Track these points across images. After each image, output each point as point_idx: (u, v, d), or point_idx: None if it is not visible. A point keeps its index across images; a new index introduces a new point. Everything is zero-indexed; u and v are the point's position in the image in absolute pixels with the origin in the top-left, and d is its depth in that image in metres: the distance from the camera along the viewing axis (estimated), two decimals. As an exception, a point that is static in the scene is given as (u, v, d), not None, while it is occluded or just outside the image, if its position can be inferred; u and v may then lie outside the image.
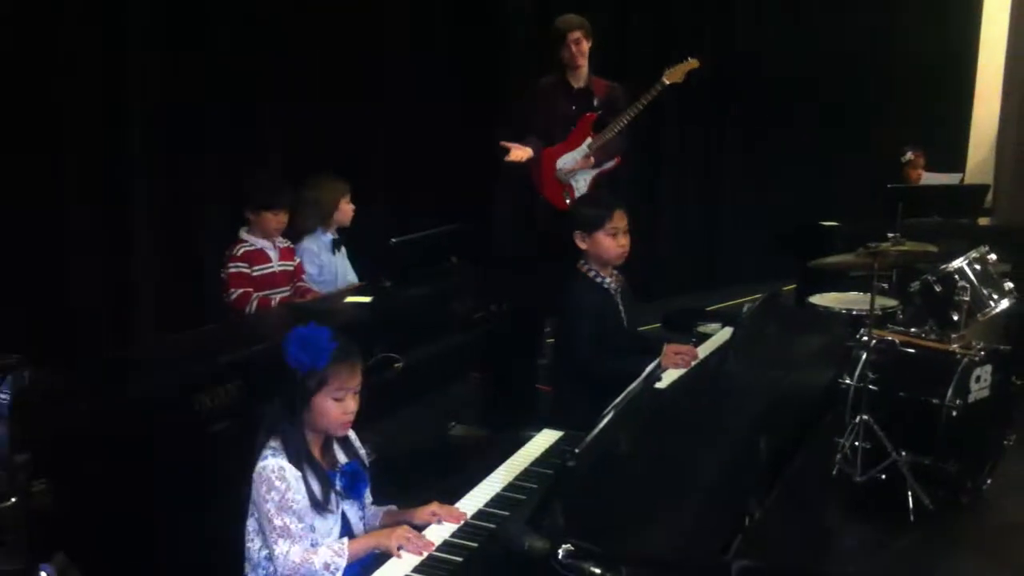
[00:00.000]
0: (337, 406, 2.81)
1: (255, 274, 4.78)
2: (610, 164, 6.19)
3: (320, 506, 2.77)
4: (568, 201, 6.07)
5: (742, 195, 9.70)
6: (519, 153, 5.88)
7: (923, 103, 10.60)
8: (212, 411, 3.34)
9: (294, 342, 2.77)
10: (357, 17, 6.58)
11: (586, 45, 6.05)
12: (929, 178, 7.58)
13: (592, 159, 6.06)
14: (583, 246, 4.22)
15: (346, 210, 5.20)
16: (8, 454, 2.10)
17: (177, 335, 4.29)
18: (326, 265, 5.13)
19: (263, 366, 3.41)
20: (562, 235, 4.77)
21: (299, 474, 2.73)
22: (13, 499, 2.05)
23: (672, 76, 6.06)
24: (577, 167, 6.06)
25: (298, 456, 2.78)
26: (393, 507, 3.01)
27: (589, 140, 6.06)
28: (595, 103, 6.12)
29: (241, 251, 4.80)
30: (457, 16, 7.32)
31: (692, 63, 6.10)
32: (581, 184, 6.12)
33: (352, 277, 5.25)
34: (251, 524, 2.79)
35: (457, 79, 7.27)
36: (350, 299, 4.47)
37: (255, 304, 4.69)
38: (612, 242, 4.19)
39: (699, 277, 9.42)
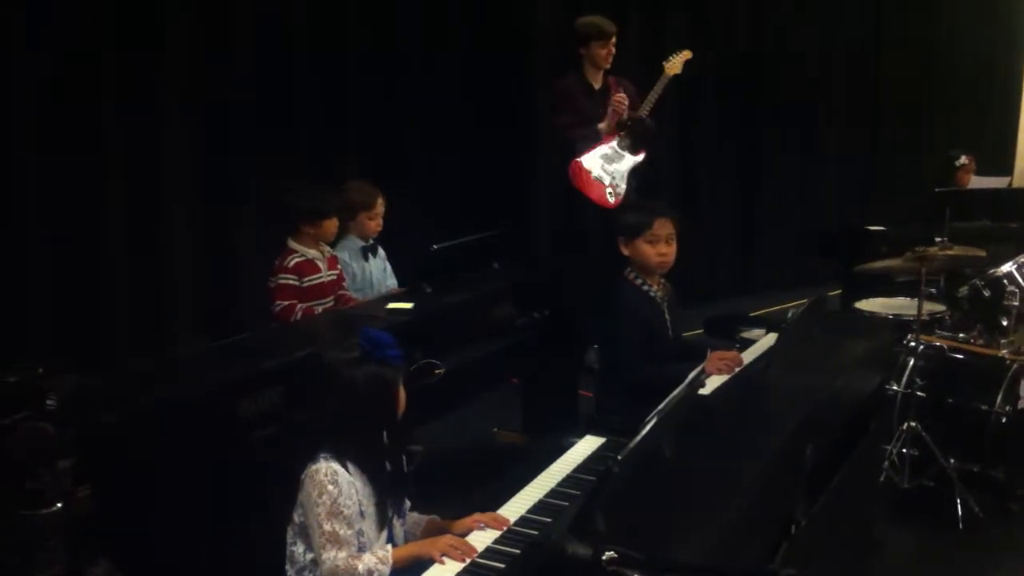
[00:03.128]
0: (402, 392, 2.89)
1: (305, 285, 4.74)
2: (639, 158, 6.36)
3: (380, 517, 2.80)
4: (613, 199, 6.24)
5: (781, 198, 9.62)
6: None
7: (970, 106, 10.49)
8: (256, 416, 3.35)
9: (385, 345, 2.81)
10: (385, 20, 6.61)
11: None
12: (977, 182, 7.48)
13: (629, 155, 6.28)
14: (626, 252, 4.19)
15: (374, 218, 5.10)
16: (53, 459, 2.11)
17: (221, 341, 4.31)
18: (359, 274, 5.10)
19: (307, 372, 3.43)
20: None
21: (351, 479, 2.74)
22: (58, 504, 2.06)
23: (673, 68, 6.38)
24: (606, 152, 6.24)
25: (376, 459, 2.82)
26: (435, 517, 3.00)
27: (617, 138, 6.28)
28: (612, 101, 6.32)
29: (293, 262, 4.74)
30: (483, 19, 7.33)
31: (686, 53, 6.45)
32: (619, 180, 6.28)
33: (392, 282, 5.23)
34: (295, 526, 2.79)
35: (486, 81, 7.29)
36: (391, 305, 4.47)
37: (299, 315, 4.69)
38: (651, 250, 4.12)
39: (738, 282, 9.35)
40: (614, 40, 6.30)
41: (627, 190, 6.32)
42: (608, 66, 6.35)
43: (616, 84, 6.39)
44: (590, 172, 6.23)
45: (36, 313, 5.04)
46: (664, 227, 4.15)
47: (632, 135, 6.32)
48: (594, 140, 6.28)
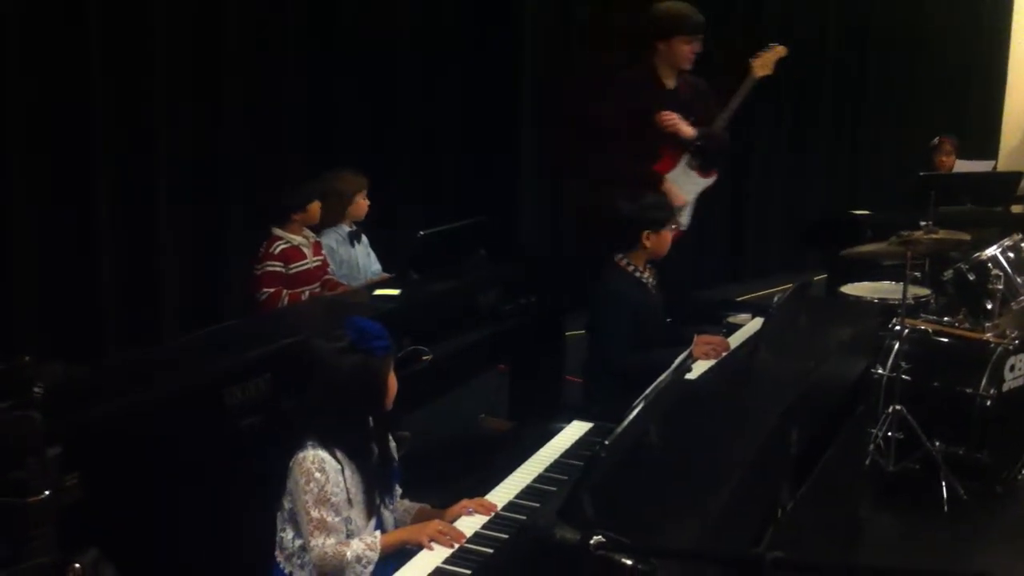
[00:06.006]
0: (393, 380, 2.88)
1: (291, 272, 4.73)
2: (710, 180, 5.27)
3: (368, 504, 2.81)
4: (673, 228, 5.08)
5: (769, 184, 9.62)
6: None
7: (955, 91, 10.52)
8: (243, 405, 3.35)
9: (372, 335, 2.79)
10: (374, 14, 6.59)
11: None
12: (962, 166, 7.50)
13: (699, 176, 5.19)
14: (648, 244, 4.23)
15: (361, 204, 5.12)
16: (41, 447, 2.11)
17: (206, 330, 4.31)
18: (345, 260, 5.10)
19: (293, 359, 3.42)
20: None
21: (339, 467, 2.74)
22: (46, 492, 2.06)
23: (762, 68, 5.26)
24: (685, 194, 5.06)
25: (363, 448, 2.82)
26: (426, 506, 3.01)
27: (687, 156, 5.17)
28: (680, 105, 5.14)
29: (279, 249, 4.73)
30: (476, 13, 7.32)
31: (779, 50, 5.31)
32: (684, 209, 5.16)
33: (376, 267, 5.23)
34: (284, 513, 2.79)
35: (477, 73, 7.28)
36: (378, 292, 4.46)
37: (285, 302, 4.68)
38: (670, 237, 4.28)
39: (726, 268, 9.36)
40: (700, 39, 5.07)
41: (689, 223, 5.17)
42: (689, 67, 5.15)
43: (687, 85, 5.23)
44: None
45: (26, 306, 5.02)
46: None
47: (704, 153, 5.18)
48: (650, 155, 5.09)
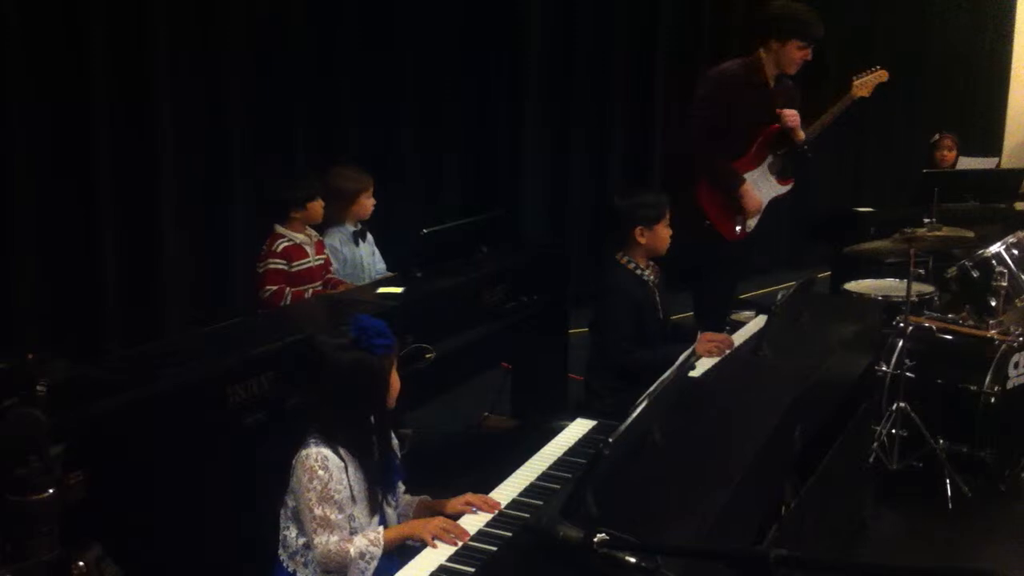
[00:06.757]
0: (395, 378, 2.88)
1: (293, 270, 4.74)
2: (786, 188, 5.29)
3: (371, 501, 2.80)
4: (739, 231, 5.20)
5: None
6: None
7: (959, 88, 10.50)
8: (246, 402, 3.34)
9: (376, 333, 2.79)
10: (376, 13, 6.59)
11: None
12: (965, 163, 7.48)
13: (776, 182, 5.20)
14: (642, 240, 4.20)
15: (366, 204, 5.06)
16: (44, 445, 2.11)
17: (211, 327, 4.31)
18: (349, 259, 5.09)
19: (296, 357, 3.42)
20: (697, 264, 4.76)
21: (342, 464, 2.74)
22: (49, 490, 2.06)
23: (862, 89, 5.37)
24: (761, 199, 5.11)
25: (366, 445, 2.81)
26: (426, 497, 3.01)
27: (770, 159, 5.19)
28: (774, 106, 5.13)
29: (281, 247, 4.73)
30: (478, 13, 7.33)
31: (881, 74, 5.42)
32: (754, 217, 5.24)
33: (381, 267, 5.22)
34: (288, 511, 2.79)
35: (479, 70, 7.29)
36: (381, 290, 4.46)
37: (288, 300, 4.68)
38: (667, 233, 4.22)
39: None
40: (815, 47, 5.05)
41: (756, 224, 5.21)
42: (793, 73, 5.14)
43: (783, 88, 5.21)
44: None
45: (27, 304, 5.03)
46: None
47: (787, 160, 5.22)
48: (736, 150, 5.08)
